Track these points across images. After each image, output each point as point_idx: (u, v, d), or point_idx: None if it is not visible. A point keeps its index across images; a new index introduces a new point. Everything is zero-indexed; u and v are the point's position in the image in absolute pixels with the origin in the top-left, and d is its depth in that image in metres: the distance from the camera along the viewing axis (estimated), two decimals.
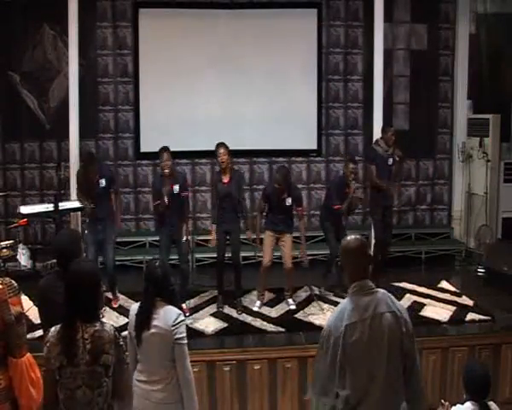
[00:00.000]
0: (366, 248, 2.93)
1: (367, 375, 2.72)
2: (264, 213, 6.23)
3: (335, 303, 5.99)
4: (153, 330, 3.22)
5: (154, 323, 3.23)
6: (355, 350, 2.71)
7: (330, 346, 2.74)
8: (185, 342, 3.28)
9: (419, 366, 2.88)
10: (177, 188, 5.88)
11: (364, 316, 2.74)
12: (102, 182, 5.99)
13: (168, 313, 3.26)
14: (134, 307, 3.40)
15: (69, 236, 3.68)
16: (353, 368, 2.71)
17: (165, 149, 5.91)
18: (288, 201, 6.00)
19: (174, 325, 3.22)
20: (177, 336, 3.23)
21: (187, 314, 5.68)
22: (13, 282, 2.88)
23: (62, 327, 2.72)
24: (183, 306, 5.80)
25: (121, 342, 2.77)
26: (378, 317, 2.75)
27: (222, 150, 5.95)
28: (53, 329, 2.76)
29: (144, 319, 3.24)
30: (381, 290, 2.87)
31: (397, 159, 6.74)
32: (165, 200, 5.81)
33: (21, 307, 2.89)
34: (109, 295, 6.16)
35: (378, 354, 2.72)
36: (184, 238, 5.95)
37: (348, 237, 2.93)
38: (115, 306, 6.09)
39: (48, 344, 2.73)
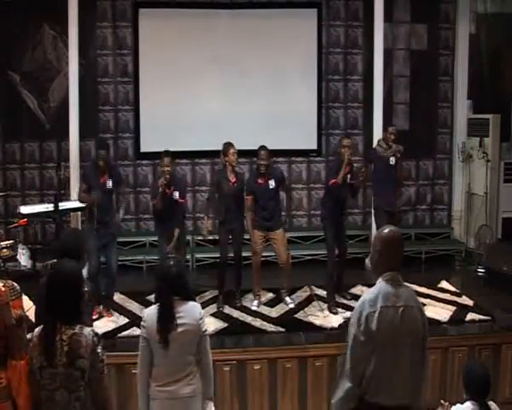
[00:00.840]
0: (403, 240, 2.96)
1: (392, 361, 2.75)
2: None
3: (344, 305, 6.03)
4: (181, 329, 3.23)
5: (181, 321, 3.24)
6: (385, 333, 2.73)
7: (362, 324, 2.76)
8: (208, 333, 3.42)
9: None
10: (176, 195, 5.85)
11: (398, 304, 2.78)
12: (109, 183, 5.80)
13: (192, 309, 3.32)
14: (149, 311, 3.34)
15: (74, 236, 3.69)
16: (380, 351, 2.73)
17: (165, 153, 5.84)
18: (272, 183, 5.98)
19: (201, 319, 3.31)
20: (204, 328, 3.33)
21: None
22: (15, 284, 2.89)
23: (43, 328, 2.71)
24: None
25: (98, 350, 2.71)
26: (409, 309, 2.81)
27: (234, 150, 5.98)
28: (37, 329, 2.75)
29: (169, 321, 3.22)
30: (410, 286, 2.93)
31: (398, 156, 6.60)
32: (160, 202, 5.76)
33: (22, 310, 2.90)
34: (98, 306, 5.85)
35: (405, 344, 2.76)
36: (172, 244, 5.83)
37: (387, 228, 2.94)
38: (110, 318, 5.74)
39: (31, 344, 2.72)
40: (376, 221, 6.77)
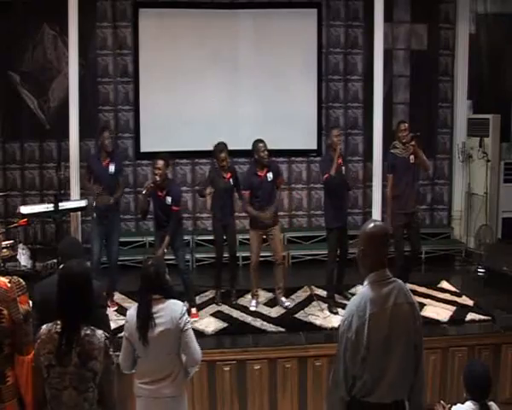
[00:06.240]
0: (389, 236, 2.90)
1: (385, 361, 2.73)
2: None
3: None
4: (160, 328, 3.24)
5: (160, 320, 3.25)
6: (377, 339, 2.72)
7: (353, 335, 2.72)
8: (190, 326, 3.36)
9: (423, 362, 2.90)
10: (169, 200, 5.69)
11: (385, 306, 2.75)
12: (112, 168, 5.95)
13: (172, 307, 3.31)
14: (130, 311, 3.40)
15: (70, 241, 3.71)
16: (373, 356, 2.72)
17: (159, 156, 5.69)
18: (270, 176, 6.00)
19: (181, 318, 3.28)
20: (183, 324, 3.29)
21: (196, 319, 5.71)
22: (21, 281, 2.92)
23: (61, 328, 2.70)
24: (193, 311, 5.80)
25: (110, 352, 2.73)
26: (398, 307, 2.77)
27: (223, 154, 6.07)
28: (44, 326, 2.75)
29: (146, 318, 3.24)
30: (398, 280, 2.87)
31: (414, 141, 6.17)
32: (143, 203, 5.77)
33: (29, 305, 2.92)
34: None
35: (396, 344, 2.75)
36: (162, 250, 5.67)
37: (372, 223, 2.85)
38: (113, 309, 5.92)
39: (39, 341, 2.72)
40: (392, 224, 6.25)
